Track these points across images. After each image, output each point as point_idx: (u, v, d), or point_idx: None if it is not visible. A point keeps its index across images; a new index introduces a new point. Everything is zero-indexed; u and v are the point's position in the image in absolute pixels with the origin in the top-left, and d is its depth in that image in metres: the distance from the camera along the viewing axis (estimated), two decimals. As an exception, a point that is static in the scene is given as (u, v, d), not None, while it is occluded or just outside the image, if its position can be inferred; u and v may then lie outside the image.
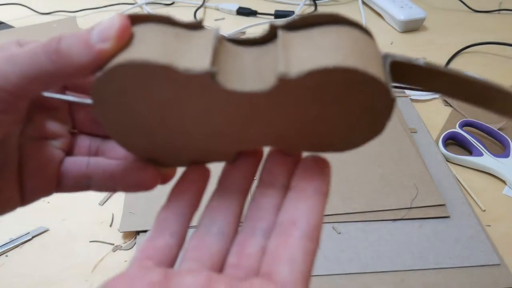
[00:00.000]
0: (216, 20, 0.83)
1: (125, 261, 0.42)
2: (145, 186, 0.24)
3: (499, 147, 0.55)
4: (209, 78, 0.19)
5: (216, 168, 0.25)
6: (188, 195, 0.23)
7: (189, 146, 0.23)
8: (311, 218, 0.20)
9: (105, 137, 0.26)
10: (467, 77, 0.20)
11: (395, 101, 0.20)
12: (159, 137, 0.22)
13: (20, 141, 0.23)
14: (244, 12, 0.84)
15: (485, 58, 0.73)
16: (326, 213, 0.37)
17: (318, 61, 0.18)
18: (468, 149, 0.55)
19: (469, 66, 0.71)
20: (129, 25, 0.20)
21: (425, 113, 0.60)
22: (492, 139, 0.56)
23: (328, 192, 0.22)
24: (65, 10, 0.84)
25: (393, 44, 0.78)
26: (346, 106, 0.20)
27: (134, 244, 0.43)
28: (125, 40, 0.19)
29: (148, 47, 0.19)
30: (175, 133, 0.22)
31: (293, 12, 0.82)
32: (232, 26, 0.80)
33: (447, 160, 0.53)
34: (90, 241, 0.44)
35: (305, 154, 0.24)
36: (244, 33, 0.79)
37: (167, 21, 0.21)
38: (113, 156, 0.25)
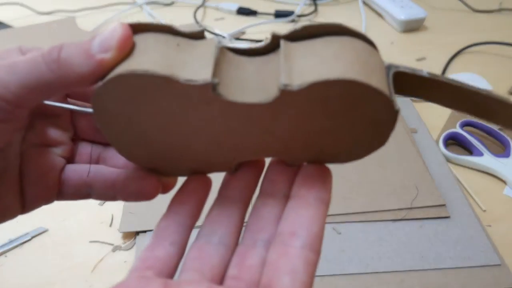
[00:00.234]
0: (216, 19, 0.83)
1: (125, 261, 0.42)
2: (146, 195, 0.24)
3: (499, 147, 0.55)
4: (210, 89, 0.19)
5: (217, 178, 0.25)
6: (189, 204, 0.23)
7: (190, 156, 0.23)
8: (312, 227, 0.20)
9: (107, 144, 0.26)
10: (470, 88, 0.20)
11: (399, 112, 0.19)
12: (160, 147, 0.22)
13: (21, 148, 0.23)
14: (244, 12, 0.84)
15: (485, 58, 0.73)
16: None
17: (321, 73, 0.18)
18: (468, 149, 0.55)
19: (469, 66, 0.71)
20: (131, 35, 0.19)
21: (425, 113, 0.60)
22: (492, 139, 0.56)
23: (329, 201, 0.22)
24: (64, 9, 0.84)
25: (393, 44, 0.78)
26: (349, 118, 0.20)
27: (134, 245, 0.43)
28: (126, 50, 0.19)
29: (150, 57, 0.19)
30: (177, 143, 0.22)
31: (293, 12, 0.82)
32: (232, 26, 0.80)
33: (448, 160, 0.53)
34: (90, 242, 0.44)
35: None
36: (244, 33, 0.79)
37: (169, 30, 0.21)
38: (115, 163, 0.25)
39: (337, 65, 0.18)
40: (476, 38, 0.75)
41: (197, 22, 0.81)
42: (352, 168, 0.51)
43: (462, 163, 0.53)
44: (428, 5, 0.88)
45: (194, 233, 0.23)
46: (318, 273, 0.41)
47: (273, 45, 0.21)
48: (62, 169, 0.24)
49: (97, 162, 0.25)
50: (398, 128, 0.57)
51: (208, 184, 0.24)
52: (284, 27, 0.82)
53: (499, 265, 0.41)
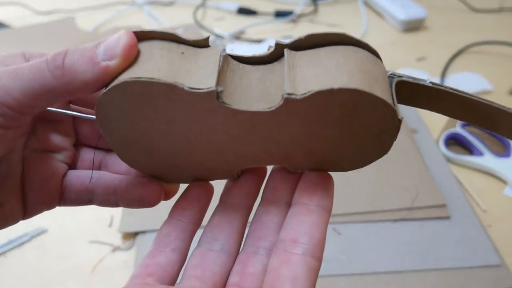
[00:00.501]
0: (216, 19, 0.83)
1: (125, 262, 0.42)
2: (148, 202, 0.24)
3: (500, 147, 0.55)
4: (214, 97, 0.19)
5: (219, 185, 0.25)
6: (190, 211, 0.23)
7: (192, 163, 0.23)
8: (314, 235, 0.20)
9: (109, 150, 0.25)
10: (473, 98, 0.20)
11: (401, 121, 0.19)
12: (163, 154, 0.22)
13: (23, 153, 0.23)
14: (244, 11, 0.84)
15: (485, 58, 0.73)
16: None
17: (324, 82, 0.18)
18: (468, 149, 0.55)
19: (470, 66, 0.71)
20: (136, 42, 0.19)
21: (426, 113, 0.60)
22: (493, 138, 0.56)
23: (331, 208, 0.21)
24: (63, 9, 0.84)
25: (394, 43, 0.78)
26: (352, 127, 0.20)
27: (133, 245, 0.43)
28: (131, 58, 0.19)
29: (154, 65, 0.19)
30: (179, 150, 0.22)
31: (293, 12, 0.82)
32: (232, 25, 0.80)
33: (448, 160, 0.53)
34: (89, 242, 0.44)
35: None
36: (244, 32, 0.79)
37: (173, 38, 0.21)
38: (116, 169, 0.25)
39: (341, 74, 0.18)
40: (476, 37, 0.75)
41: (197, 22, 0.81)
42: (352, 168, 0.51)
43: (462, 163, 0.53)
44: (428, 4, 0.88)
45: (196, 239, 0.23)
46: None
47: (277, 54, 0.21)
48: (64, 175, 0.24)
49: (99, 168, 0.25)
50: (398, 128, 0.56)
51: (210, 191, 0.24)
52: (284, 26, 0.82)
53: (499, 265, 0.41)
